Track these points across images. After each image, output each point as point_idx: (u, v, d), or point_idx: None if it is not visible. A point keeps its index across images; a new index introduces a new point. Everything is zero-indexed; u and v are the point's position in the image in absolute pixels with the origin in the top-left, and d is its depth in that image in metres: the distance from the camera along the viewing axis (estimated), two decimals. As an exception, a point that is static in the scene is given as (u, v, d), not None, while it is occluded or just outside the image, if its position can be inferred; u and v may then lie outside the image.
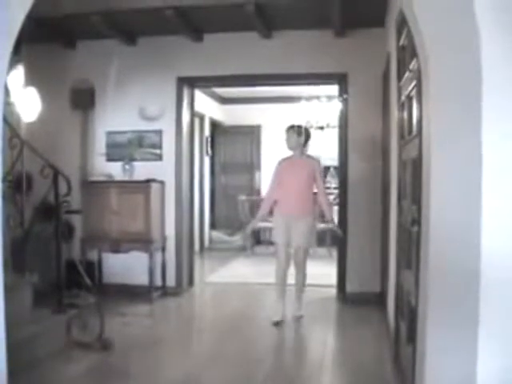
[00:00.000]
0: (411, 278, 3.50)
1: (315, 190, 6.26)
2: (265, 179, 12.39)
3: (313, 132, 11.71)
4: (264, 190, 12.25)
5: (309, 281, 6.38)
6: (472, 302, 2.39)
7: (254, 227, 7.15)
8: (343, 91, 7.02)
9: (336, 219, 6.67)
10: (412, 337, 3.32)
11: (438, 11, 2.52)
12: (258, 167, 12.55)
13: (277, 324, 5.92)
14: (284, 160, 6.34)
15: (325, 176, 12.39)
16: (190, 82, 7.47)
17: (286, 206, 6.14)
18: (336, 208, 8.20)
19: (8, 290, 2.92)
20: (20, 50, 5.12)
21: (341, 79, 7.03)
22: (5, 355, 2.97)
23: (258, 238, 11.44)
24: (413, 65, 3.50)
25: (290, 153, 6.30)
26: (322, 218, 6.67)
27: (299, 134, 6.19)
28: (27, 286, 5.06)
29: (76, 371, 4.54)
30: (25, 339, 4.43)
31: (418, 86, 3.21)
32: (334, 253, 8.02)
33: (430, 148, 2.67)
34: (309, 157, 6.33)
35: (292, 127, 6.25)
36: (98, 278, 7.27)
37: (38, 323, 4.92)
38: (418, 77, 3.13)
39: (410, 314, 3.61)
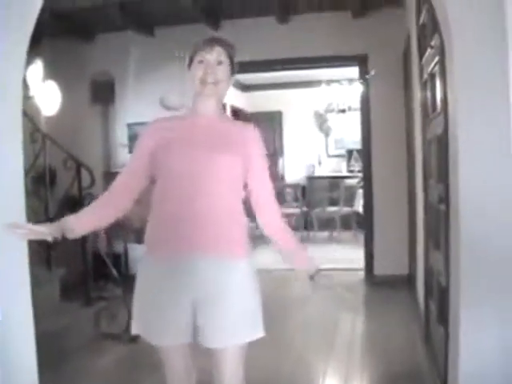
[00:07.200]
0: (441, 258, 3.45)
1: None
2: (288, 165, 12.34)
3: (335, 116, 11.80)
4: (288, 176, 12.19)
5: (335, 265, 6.27)
6: (506, 277, 2.34)
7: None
8: (364, 73, 6.93)
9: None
10: (443, 317, 3.27)
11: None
12: (281, 153, 12.46)
13: None
14: (170, 120, 2.72)
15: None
16: (209, 70, 7.42)
17: (175, 235, 2.36)
18: (361, 191, 8.16)
19: (35, 284, 2.92)
20: (39, 45, 5.11)
21: (361, 61, 6.92)
22: (34, 349, 2.99)
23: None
24: (434, 41, 3.43)
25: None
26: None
27: (232, 64, 2.62)
28: (54, 279, 5.10)
29: (105, 363, 4.55)
30: (53, 332, 4.46)
31: (441, 63, 3.14)
32: (360, 237, 7.95)
33: (457, 124, 2.60)
34: (233, 121, 2.80)
35: (217, 41, 2.56)
36: (125, 269, 7.29)
37: (67, 316, 4.95)
38: (441, 53, 3.06)
39: (440, 295, 3.57)
